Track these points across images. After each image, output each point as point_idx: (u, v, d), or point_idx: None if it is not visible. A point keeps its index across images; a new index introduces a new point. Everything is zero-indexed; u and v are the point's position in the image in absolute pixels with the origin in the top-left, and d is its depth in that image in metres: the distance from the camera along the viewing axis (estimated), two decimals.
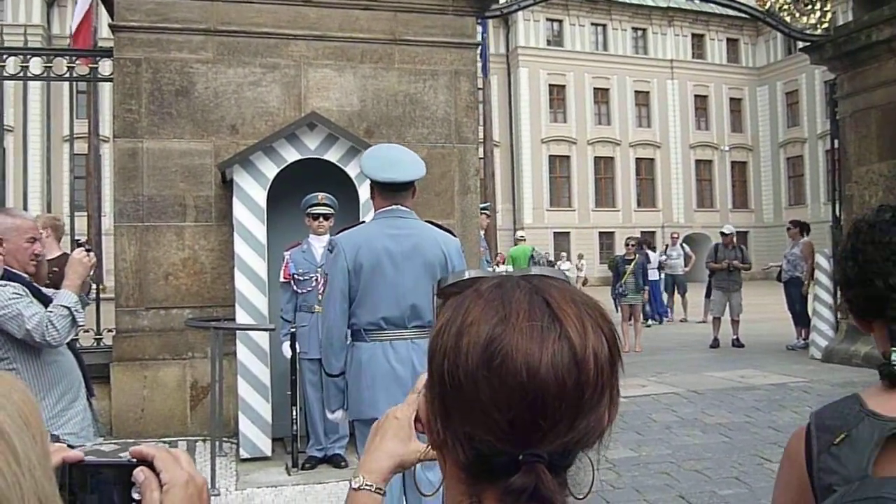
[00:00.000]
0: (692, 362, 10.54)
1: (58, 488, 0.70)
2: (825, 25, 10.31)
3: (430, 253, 3.51)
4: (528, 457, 0.78)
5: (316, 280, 5.62)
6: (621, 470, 5.39)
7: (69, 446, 1.15)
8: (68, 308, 3.10)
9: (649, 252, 16.98)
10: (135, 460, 0.89)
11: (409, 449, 1.10)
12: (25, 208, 6.72)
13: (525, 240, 15.90)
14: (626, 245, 13.34)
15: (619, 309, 12.35)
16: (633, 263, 12.35)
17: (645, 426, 6.70)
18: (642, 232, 41.84)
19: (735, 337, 12.00)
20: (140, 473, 0.88)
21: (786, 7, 10.35)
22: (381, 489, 1.09)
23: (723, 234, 12.64)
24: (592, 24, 44.37)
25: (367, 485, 1.09)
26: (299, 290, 5.67)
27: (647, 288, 13.01)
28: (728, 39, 47.41)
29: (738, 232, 44.49)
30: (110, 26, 6.75)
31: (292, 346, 5.62)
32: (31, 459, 0.62)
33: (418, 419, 1.10)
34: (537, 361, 0.77)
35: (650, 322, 16.23)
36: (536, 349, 0.77)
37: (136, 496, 0.88)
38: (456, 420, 0.81)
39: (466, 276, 0.91)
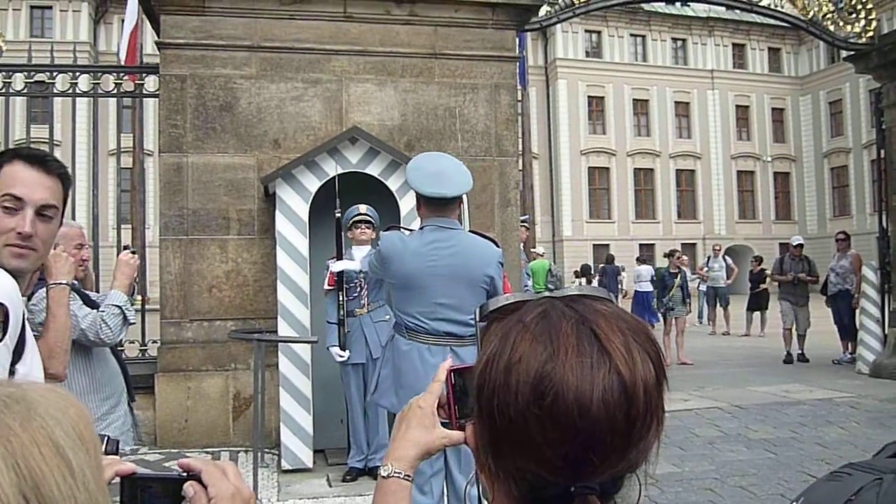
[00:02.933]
0: (735, 376, 10.39)
1: (111, 501, 0.72)
2: (870, 34, 10.15)
3: (471, 267, 3.53)
4: (579, 489, 0.79)
5: (360, 287, 5.66)
6: (664, 486, 5.33)
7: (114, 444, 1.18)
8: (120, 307, 3.19)
9: (641, 267, 18.45)
10: (184, 474, 0.91)
11: (433, 436, 1.12)
12: (73, 220, 6.85)
13: (543, 255, 15.85)
14: (670, 257, 13.21)
15: (665, 322, 12.28)
16: (678, 276, 12.31)
17: (688, 441, 6.63)
18: (683, 244, 41.46)
19: (800, 352, 11.72)
20: (190, 488, 0.90)
21: (829, 16, 10.20)
22: (409, 476, 1.12)
23: (794, 245, 12.27)
24: (631, 34, 44.14)
25: (395, 472, 1.11)
26: (347, 298, 5.68)
27: (688, 301, 12.86)
28: (770, 49, 46.84)
29: (780, 244, 43.57)
30: (156, 43, 6.88)
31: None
32: (86, 473, 0.64)
33: (441, 406, 1.13)
34: (588, 399, 0.77)
35: None
36: (587, 386, 0.77)
37: None
38: (507, 455, 0.82)
39: (510, 300, 0.90)
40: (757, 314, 16.43)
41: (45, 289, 2.94)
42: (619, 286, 19.55)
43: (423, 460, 1.15)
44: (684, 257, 19.30)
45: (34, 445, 0.61)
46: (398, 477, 1.11)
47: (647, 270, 18.52)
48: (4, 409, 0.62)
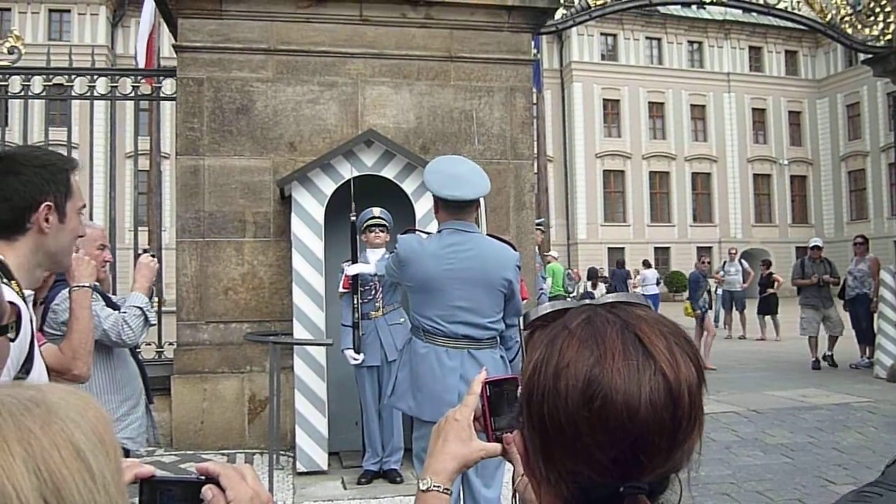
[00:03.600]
0: (751, 380, 10.33)
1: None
2: (888, 37, 10.08)
3: (488, 271, 3.53)
4: (629, 489, 0.81)
5: (375, 290, 5.67)
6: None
7: (124, 450, 1.18)
8: (141, 308, 3.23)
9: (647, 271, 19.69)
10: (202, 477, 0.92)
11: (470, 449, 1.14)
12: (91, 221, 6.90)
13: (557, 258, 15.99)
14: (701, 262, 13.02)
15: (702, 325, 12.23)
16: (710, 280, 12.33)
17: (704, 445, 6.45)
18: (698, 247, 41.30)
19: (829, 353, 11.46)
20: (208, 491, 0.90)
21: (847, 18, 10.13)
22: (448, 489, 1.14)
23: (814, 247, 11.87)
24: (647, 37, 44.02)
25: (435, 486, 1.13)
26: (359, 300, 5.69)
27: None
28: (786, 51, 46.58)
29: (797, 247, 43.28)
30: (174, 47, 6.92)
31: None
32: (106, 476, 0.64)
33: (477, 419, 1.15)
34: (636, 401, 0.79)
35: None
36: (635, 389, 0.79)
37: None
38: (557, 459, 0.84)
39: (553, 308, 0.92)
40: (769, 318, 16.37)
41: (66, 290, 2.97)
42: (627, 290, 20.08)
43: (461, 472, 1.16)
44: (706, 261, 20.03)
45: (54, 448, 0.61)
46: (437, 490, 1.13)
47: (652, 274, 19.88)
48: (25, 412, 0.63)
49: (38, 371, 1.68)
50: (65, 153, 7.90)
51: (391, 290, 5.63)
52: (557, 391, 0.82)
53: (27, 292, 1.81)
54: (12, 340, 1.29)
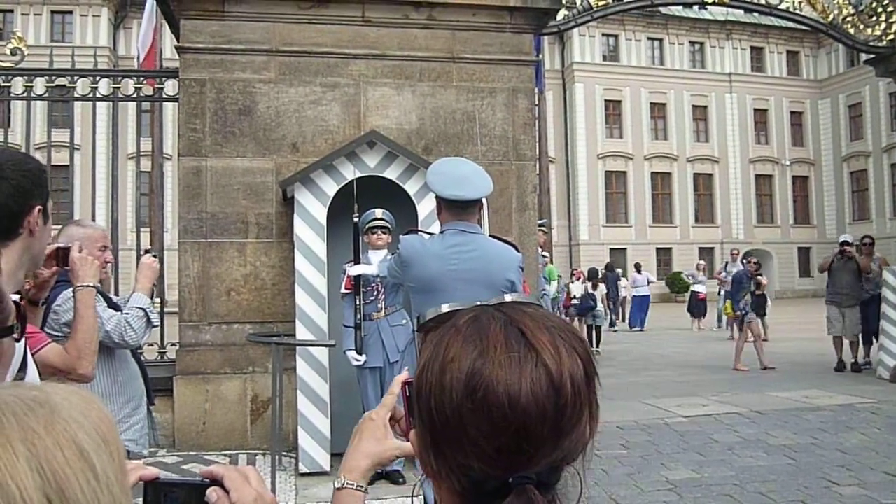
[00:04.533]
0: (753, 381, 10.32)
1: None
2: (891, 37, 10.07)
3: (491, 272, 3.53)
4: (517, 479, 0.83)
5: (377, 291, 5.67)
6: (682, 491, 5.30)
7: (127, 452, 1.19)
8: (143, 309, 3.22)
9: (640, 274, 21.54)
10: (207, 480, 0.92)
11: (384, 447, 1.17)
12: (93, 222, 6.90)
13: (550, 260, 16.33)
14: (748, 262, 12.56)
15: (742, 328, 12.07)
16: (751, 282, 12.01)
17: (706, 447, 6.58)
18: (700, 248, 41.30)
19: (854, 360, 11.01)
20: (213, 493, 0.91)
21: (850, 19, 10.13)
22: (361, 486, 1.16)
23: (843, 243, 11.24)
24: (649, 38, 44.05)
25: (348, 483, 1.15)
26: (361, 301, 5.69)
27: (764, 307, 12.38)
28: (788, 52, 46.60)
29: (799, 248, 43.20)
30: (176, 48, 6.92)
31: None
32: (109, 476, 0.64)
33: (393, 418, 1.18)
34: (517, 391, 0.81)
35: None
36: (516, 379, 0.82)
37: None
38: (447, 452, 0.86)
39: (444, 309, 0.95)
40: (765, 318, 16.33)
41: (68, 290, 2.97)
42: (618, 292, 20.95)
43: (375, 471, 1.19)
44: (701, 263, 20.77)
45: (58, 448, 0.61)
46: (351, 488, 1.15)
47: (642, 277, 21.80)
48: (28, 412, 0.63)
49: (31, 373, 1.69)
50: (68, 154, 7.88)
51: (393, 291, 5.63)
52: (443, 386, 0.84)
53: (14, 297, 1.82)
54: (17, 340, 1.30)
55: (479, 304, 0.93)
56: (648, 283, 22.18)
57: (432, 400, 0.86)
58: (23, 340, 1.62)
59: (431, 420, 0.86)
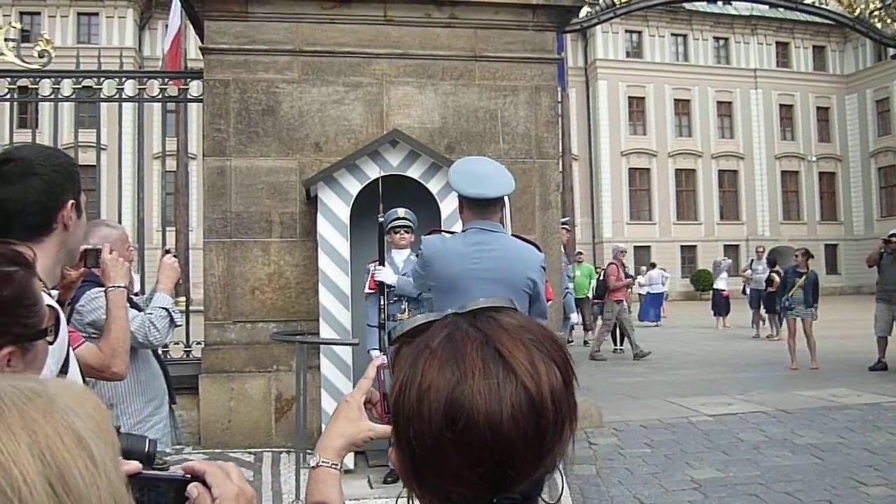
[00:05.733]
0: (779, 380, 10.24)
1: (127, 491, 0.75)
2: None
3: (513, 271, 3.52)
4: (501, 500, 0.83)
5: None
6: (708, 491, 5.27)
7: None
8: (167, 309, 3.26)
9: (655, 271, 22.21)
10: (188, 476, 0.94)
11: (358, 428, 1.20)
12: (119, 221, 6.98)
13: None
14: (796, 256, 12.27)
15: (786, 323, 11.87)
16: (803, 277, 11.70)
17: (732, 446, 6.54)
18: (725, 246, 40.97)
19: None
20: (194, 489, 0.93)
21: (877, 13, 10.00)
22: (336, 464, 1.19)
23: (894, 235, 10.79)
24: (672, 34, 43.76)
25: (323, 461, 1.19)
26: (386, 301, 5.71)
27: (816, 305, 11.84)
28: (814, 47, 46.09)
29: (826, 245, 42.85)
30: (200, 49, 6.97)
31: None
32: (106, 462, 0.66)
33: (370, 402, 1.21)
34: (498, 419, 0.80)
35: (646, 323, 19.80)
36: (496, 407, 0.80)
37: None
38: (429, 478, 0.86)
39: (416, 322, 0.93)
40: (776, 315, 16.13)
41: (92, 290, 3.01)
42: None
43: (350, 451, 1.23)
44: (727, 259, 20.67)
45: (57, 436, 0.63)
46: (326, 466, 1.18)
47: (657, 274, 22.45)
48: (27, 401, 0.65)
49: (73, 371, 1.71)
50: (94, 154, 7.95)
51: (415, 303, 5.64)
52: (421, 415, 0.83)
53: (53, 293, 1.85)
54: (51, 344, 1.32)
55: (451, 312, 0.91)
56: (663, 281, 22.71)
57: (411, 429, 0.84)
58: (66, 341, 1.65)
59: (411, 447, 0.85)
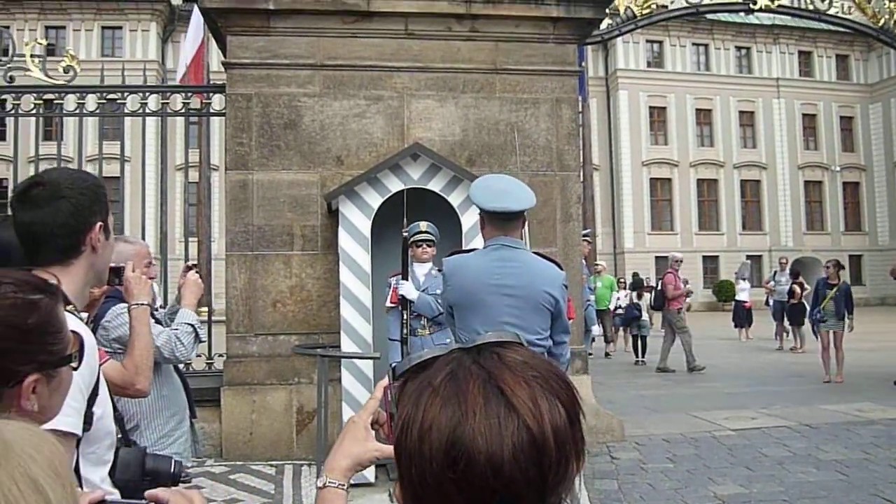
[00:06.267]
0: (804, 394, 10.13)
1: None
2: None
3: (536, 288, 3.50)
4: None
5: None
6: None
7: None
8: (192, 325, 3.28)
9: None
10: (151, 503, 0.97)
11: (364, 448, 1.20)
12: (143, 233, 7.06)
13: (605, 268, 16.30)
14: (827, 267, 12.12)
15: (818, 336, 11.71)
16: (835, 288, 11.56)
17: (755, 461, 6.47)
18: (748, 256, 40.60)
19: None
20: None
21: None
22: (342, 485, 1.19)
23: None
24: (694, 44, 43.61)
25: (330, 482, 1.18)
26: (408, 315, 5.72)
27: (852, 317, 11.67)
28: (837, 56, 45.74)
29: (850, 256, 42.46)
30: (223, 63, 7.03)
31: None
32: None
33: (377, 422, 1.21)
34: (500, 460, 0.80)
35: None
36: (497, 448, 0.80)
37: None
38: None
39: (421, 358, 0.93)
40: (802, 328, 15.91)
41: (117, 306, 3.04)
42: (687, 298, 21.03)
43: (357, 471, 1.22)
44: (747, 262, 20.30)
45: (12, 482, 0.64)
46: (332, 486, 1.18)
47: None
48: None
49: (103, 395, 1.73)
50: (118, 166, 8.03)
51: (438, 325, 5.65)
52: (422, 454, 0.83)
53: (83, 315, 1.86)
54: (75, 369, 1.33)
55: (456, 347, 0.91)
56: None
57: (413, 468, 0.85)
58: (97, 364, 1.67)
59: (413, 485, 0.86)
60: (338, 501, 1.17)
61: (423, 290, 5.62)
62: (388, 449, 1.11)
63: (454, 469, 0.81)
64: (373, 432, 1.22)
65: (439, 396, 0.85)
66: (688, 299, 22.42)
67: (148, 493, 0.97)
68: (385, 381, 1.15)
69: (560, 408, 0.84)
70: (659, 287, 14.33)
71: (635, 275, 19.34)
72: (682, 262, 14.61)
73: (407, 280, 5.67)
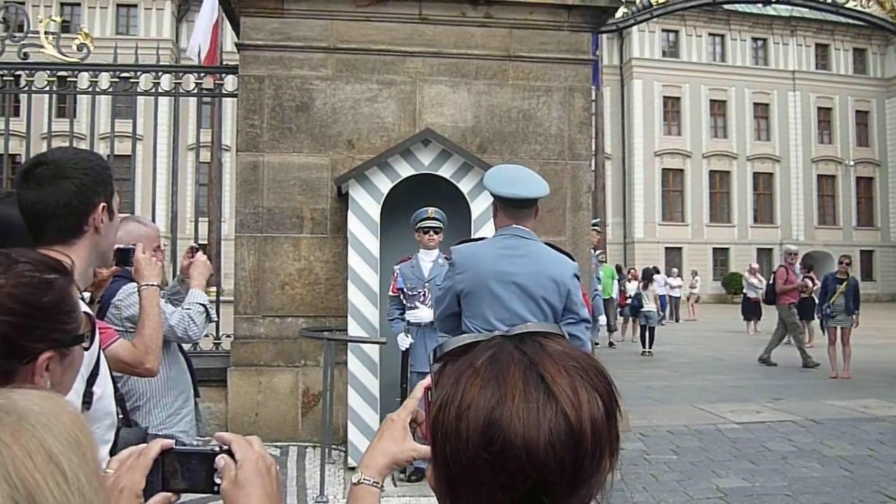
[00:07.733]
0: (810, 389, 10.11)
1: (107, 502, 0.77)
2: None
3: (545, 278, 3.49)
4: None
5: (424, 295, 5.69)
6: (733, 500, 5.22)
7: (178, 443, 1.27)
8: (204, 305, 3.30)
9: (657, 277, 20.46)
10: (217, 448, 1.03)
11: (402, 447, 1.19)
12: (153, 212, 7.07)
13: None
14: (840, 263, 12.09)
15: (826, 331, 11.65)
16: (844, 283, 11.49)
17: (759, 455, 6.47)
18: (758, 249, 40.50)
19: None
20: (221, 460, 1.01)
21: None
22: (377, 483, 1.19)
23: None
24: (710, 34, 43.31)
25: (365, 479, 1.18)
26: (408, 305, 5.75)
27: (858, 312, 11.60)
28: (855, 49, 45.36)
29: (862, 251, 42.29)
30: (236, 45, 7.03)
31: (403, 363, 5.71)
32: (80, 479, 0.66)
33: (415, 421, 1.20)
34: (535, 444, 0.80)
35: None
36: (534, 432, 0.80)
37: (217, 480, 1.02)
38: (463, 497, 0.86)
39: (462, 342, 0.93)
40: (812, 323, 15.79)
41: (128, 285, 3.06)
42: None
43: (392, 469, 1.22)
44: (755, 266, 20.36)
45: (26, 455, 0.63)
46: (367, 484, 1.18)
47: (660, 279, 22.13)
48: None
49: (103, 375, 1.74)
50: (129, 145, 8.02)
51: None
52: (459, 433, 0.83)
53: (86, 295, 1.87)
54: (87, 349, 1.35)
55: (498, 333, 0.91)
56: (665, 284, 23.82)
57: (448, 446, 0.85)
58: (97, 346, 1.68)
59: (447, 466, 0.86)
60: (371, 499, 1.18)
61: (430, 280, 5.62)
62: (425, 449, 1.11)
63: (489, 450, 0.81)
64: (409, 432, 1.22)
65: (479, 377, 0.85)
66: (696, 290, 22.21)
67: (217, 435, 1.03)
68: (426, 381, 1.15)
69: (599, 401, 0.84)
70: (772, 280, 13.97)
71: (645, 269, 19.34)
72: (797, 254, 14.11)
73: (420, 307, 5.71)
